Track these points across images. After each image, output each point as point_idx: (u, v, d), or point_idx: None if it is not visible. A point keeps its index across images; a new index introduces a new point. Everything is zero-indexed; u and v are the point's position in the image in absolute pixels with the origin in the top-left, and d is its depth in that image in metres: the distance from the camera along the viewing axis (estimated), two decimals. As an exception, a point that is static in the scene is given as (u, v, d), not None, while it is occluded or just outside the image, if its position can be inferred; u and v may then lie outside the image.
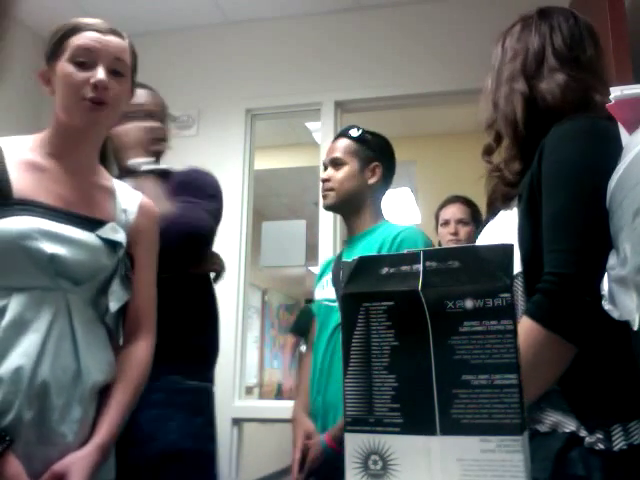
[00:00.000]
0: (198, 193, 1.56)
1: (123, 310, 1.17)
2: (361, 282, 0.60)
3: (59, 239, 1.03)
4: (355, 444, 0.60)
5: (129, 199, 1.20)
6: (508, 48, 1.13)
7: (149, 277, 1.19)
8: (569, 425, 0.90)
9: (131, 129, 1.56)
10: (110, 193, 1.18)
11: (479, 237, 1.16)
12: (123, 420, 1.07)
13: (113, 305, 1.09)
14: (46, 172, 1.10)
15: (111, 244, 1.09)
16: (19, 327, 0.98)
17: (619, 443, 0.87)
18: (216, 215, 1.56)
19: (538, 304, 0.90)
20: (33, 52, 1.22)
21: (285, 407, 3.03)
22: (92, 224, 1.09)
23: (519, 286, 0.97)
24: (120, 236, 1.11)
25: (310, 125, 3.82)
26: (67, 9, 2.86)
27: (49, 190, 1.08)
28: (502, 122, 1.10)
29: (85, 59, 1.08)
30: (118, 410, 1.06)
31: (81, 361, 1.03)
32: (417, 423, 0.57)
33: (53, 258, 1.01)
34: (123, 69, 1.12)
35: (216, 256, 1.62)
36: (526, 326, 0.89)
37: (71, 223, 1.06)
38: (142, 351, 1.14)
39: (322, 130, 2.97)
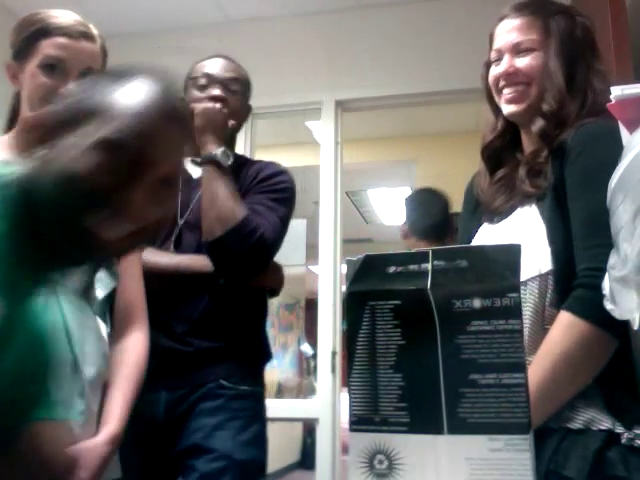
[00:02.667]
0: (273, 195, 1.38)
1: (110, 301, 1.15)
2: (367, 281, 0.61)
3: None
4: (360, 443, 0.60)
5: None
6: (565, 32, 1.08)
7: (137, 268, 1.18)
8: (604, 422, 0.89)
9: (207, 111, 1.33)
10: None
11: (483, 235, 1.14)
12: (129, 413, 1.07)
13: (99, 292, 1.09)
14: None
15: None
16: None
17: None
18: (286, 224, 1.40)
19: (581, 299, 0.89)
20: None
21: (285, 406, 3.03)
22: None
23: (550, 284, 0.95)
24: None
25: (310, 124, 3.82)
26: (68, 9, 2.85)
27: None
28: (571, 118, 1.03)
29: (55, 66, 1.08)
30: (124, 402, 1.06)
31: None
32: (424, 422, 0.57)
33: None
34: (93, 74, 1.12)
35: (277, 270, 1.43)
36: (569, 321, 0.88)
37: None
38: (139, 343, 1.13)
39: (322, 129, 2.97)
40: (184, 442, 1.24)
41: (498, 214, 1.10)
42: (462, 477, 0.54)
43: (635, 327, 0.69)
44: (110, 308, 1.17)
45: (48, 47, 1.09)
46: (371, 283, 0.60)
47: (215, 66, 1.48)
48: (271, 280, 1.40)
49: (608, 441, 0.88)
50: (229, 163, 1.32)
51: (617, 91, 1.23)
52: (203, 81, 1.43)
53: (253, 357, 1.38)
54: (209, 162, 1.31)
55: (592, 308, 0.87)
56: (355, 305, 0.61)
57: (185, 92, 1.43)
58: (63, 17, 1.12)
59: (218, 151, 1.32)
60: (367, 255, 0.62)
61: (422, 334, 0.58)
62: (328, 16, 2.99)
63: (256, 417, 1.32)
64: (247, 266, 1.30)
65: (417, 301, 0.58)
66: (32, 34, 1.10)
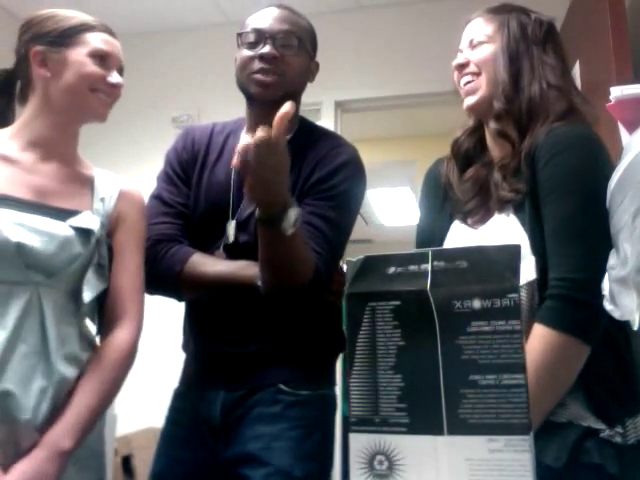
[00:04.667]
0: (330, 202, 1.19)
1: (100, 302, 1.13)
2: (367, 281, 0.61)
3: (28, 229, 1.02)
4: (360, 444, 0.60)
5: (108, 187, 1.19)
6: (517, 30, 1.11)
7: (130, 263, 1.15)
8: (586, 419, 0.92)
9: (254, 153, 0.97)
10: (88, 182, 1.18)
11: (461, 238, 1.13)
12: (88, 420, 1.01)
13: (87, 295, 1.07)
14: (19, 164, 1.11)
15: (83, 232, 1.08)
16: None
17: (631, 437, 0.90)
18: (342, 241, 1.23)
19: (552, 309, 0.91)
20: (11, 37, 1.23)
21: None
22: (65, 214, 1.09)
23: (536, 292, 0.96)
24: (93, 224, 1.10)
25: (310, 125, 3.82)
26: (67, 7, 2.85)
27: (21, 183, 1.09)
28: (526, 112, 1.05)
29: (103, 59, 1.15)
30: (79, 410, 1.01)
31: (52, 359, 1.01)
32: (424, 423, 0.57)
33: (20, 247, 1.00)
34: (122, 71, 1.19)
35: (337, 280, 1.19)
36: (542, 333, 0.90)
37: (42, 214, 1.06)
38: (118, 341, 1.09)
39: (322, 130, 2.98)
40: (239, 448, 1.17)
41: (472, 216, 1.11)
42: (462, 478, 0.54)
43: (635, 327, 0.70)
44: (100, 308, 1.15)
45: (96, 40, 1.15)
46: (371, 284, 0.60)
47: (266, 18, 1.28)
48: (326, 297, 1.22)
49: (587, 433, 0.91)
50: (292, 231, 1.04)
51: (616, 91, 1.23)
52: (252, 37, 1.26)
53: (316, 357, 1.25)
54: (270, 224, 1.05)
55: (563, 317, 0.90)
56: (355, 306, 0.61)
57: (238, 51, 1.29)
58: (99, 20, 1.19)
59: (285, 220, 1.02)
60: (367, 256, 0.62)
61: (422, 335, 0.58)
62: (328, 17, 2.99)
63: (317, 426, 1.21)
64: (299, 299, 1.18)
65: (417, 302, 0.58)
66: (76, 26, 1.16)
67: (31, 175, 1.11)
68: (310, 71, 1.35)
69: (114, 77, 1.15)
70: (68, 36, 1.14)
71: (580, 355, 0.90)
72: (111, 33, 1.18)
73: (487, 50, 1.11)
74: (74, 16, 1.17)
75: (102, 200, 1.16)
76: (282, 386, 1.19)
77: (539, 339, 0.90)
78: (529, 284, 0.96)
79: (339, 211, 1.20)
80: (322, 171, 1.22)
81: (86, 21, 1.16)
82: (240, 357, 1.21)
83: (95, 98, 1.13)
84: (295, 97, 1.29)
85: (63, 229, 1.06)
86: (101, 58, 1.14)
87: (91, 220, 1.10)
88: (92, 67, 1.13)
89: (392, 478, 0.58)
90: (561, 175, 0.96)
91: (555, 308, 0.91)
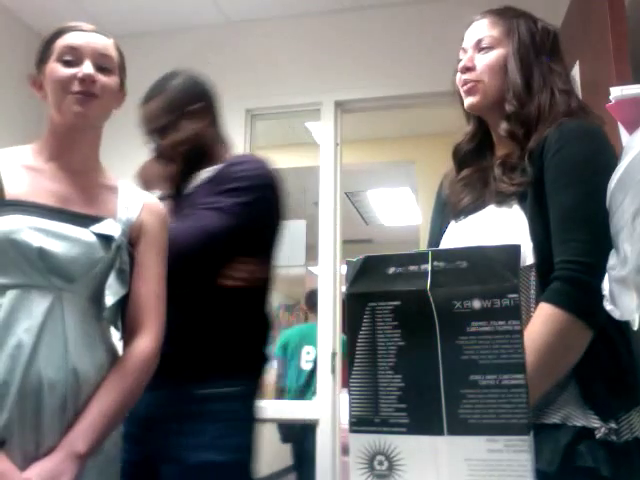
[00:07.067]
0: (221, 189, 1.38)
1: (123, 307, 1.16)
2: (367, 282, 0.61)
3: (50, 235, 1.04)
4: (360, 444, 0.60)
5: (132, 197, 1.21)
6: (526, 34, 1.12)
7: (151, 272, 1.17)
8: (579, 419, 0.92)
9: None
10: (112, 191, 1.19)
11: (452, 233, 1.15)
12: (104, 426, 1.03)
13: (109, 299, 1.09)
14: (43, 172, 1.12)
15: (105, 239, 1.09)
16: (10, 327, 0.98)
17: (625, 435, 0.90)
18: (245, 210, 1.37)
19: (559, 291, 0.92)
20: (32, 52, 1.23)
21: (285, 407, 3.04)
22: (88, 220, 1.10)
23: (532, 278, 0.97)
24: (114, 230, 1.11)
25: (310, 125, 3.82)
26: (68, 9, 2.86)
27: (45, 189, 1.10)
28: (535, 117, 1.07)
29: (71, 57, 1.12)
30: (98, 414, 1.03)
31: (72, 362, 1.02)
32: (424, 423, 0.57)
33: (42, 251, 1.01)
34: (110, 65, 1.15)
35: (251, 264, 1.39)
36: (547, 313, 0.91)
37: (64, 220, 1.07)
38: (139, 349, 1.11)
39: (322, 130, 2.98)
40: (158, 446, 1.28)
41: (465, 212, 1.12)
42: (461, 478, 0.54)
43: (635, 327, 0.70)
44: (123, 314, 1.17)
45: (62, 42, 1.13)
46: (371, 284, 0.60)
47: None
48: (235, 279, 1.36)
49: (580, 435, 0.90)
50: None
51: (616, 92, 1.23)
52: None
53: (225, 359, 1.35)
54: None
55: (569, 299, 0.91)
56: (355, 306, 0.61)
57: None
58: (75, 22, 1.17)
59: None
60: (367, 256, 0.62)
61: (422, 335, 0.58)
62: (327, 17, 3.00)
63: (235, 420, 1.33)
64: (183, 273, 1.30)
65: (417, 302, 0.58)
66: (49, 40, 1.15)
67: (55, 183, 1.12)
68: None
69: (84, 68, 1.10)
70: (44, 52, 1.15)
71: (584, 339, 0.90)
72: (81, 29, 1.15)
73: (495, 54, 1.12)
74: (54, 31, 1.16)
75: (126, 209, 1.18)
76: (196, 384, 1.31)
77: (545, 318, 0.90)
78: (525, 268, 0.97)
79: (226, 196, 1.37)
80: (227, 170, 1.42)
81: (58, 29, 1.15)
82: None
83: (72, 98, 1.10)
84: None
85: (85, 235, 1.08)
86: (69, 59, 1.11)
87: (112, 227, 1.12)
88: (60, 71, 1.11)
89: (392, 478, 0.58)
90: (569, 164, 0.98)
91: (563, 289, 0.91)
